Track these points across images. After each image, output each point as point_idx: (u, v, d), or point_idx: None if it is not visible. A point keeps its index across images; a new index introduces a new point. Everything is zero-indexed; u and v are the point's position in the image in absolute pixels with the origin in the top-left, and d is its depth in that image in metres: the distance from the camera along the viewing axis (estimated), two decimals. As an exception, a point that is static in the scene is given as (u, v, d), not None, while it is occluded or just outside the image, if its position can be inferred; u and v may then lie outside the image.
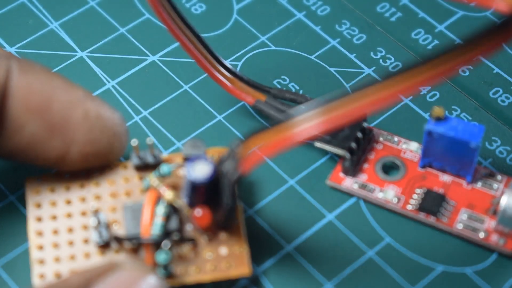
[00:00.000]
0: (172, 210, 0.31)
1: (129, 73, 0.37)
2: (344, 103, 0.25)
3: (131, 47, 0.38)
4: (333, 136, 0.33)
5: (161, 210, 0.31)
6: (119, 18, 0.39)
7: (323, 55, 0.38)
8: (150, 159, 0.32)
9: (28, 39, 0.38)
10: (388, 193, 0.33)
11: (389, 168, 0.34)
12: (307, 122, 0.26)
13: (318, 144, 0.34)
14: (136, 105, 0.36)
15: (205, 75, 0.36)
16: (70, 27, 0.38)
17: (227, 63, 0.34)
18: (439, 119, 0.32)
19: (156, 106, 0.36)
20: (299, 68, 0.37)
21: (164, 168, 0.31)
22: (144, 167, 0.32)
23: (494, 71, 0.37)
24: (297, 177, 0.34)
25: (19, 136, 0.30)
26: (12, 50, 0.37)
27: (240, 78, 0.35)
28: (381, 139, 0.34)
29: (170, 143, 0.35)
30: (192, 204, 0.31)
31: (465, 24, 0.39)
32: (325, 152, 0.35)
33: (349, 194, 0.34)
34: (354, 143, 0.33)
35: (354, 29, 0.39)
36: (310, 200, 0.34)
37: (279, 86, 0.36)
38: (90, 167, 0.32)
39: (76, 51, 0.38)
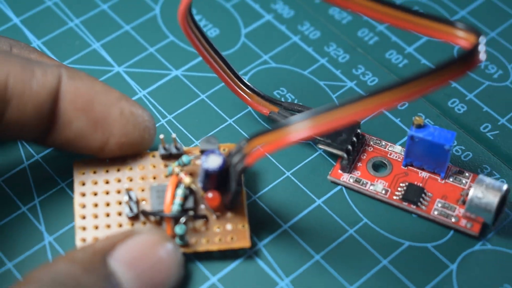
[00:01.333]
0: (189, 192, 0.31)
1: (157, 84, 0.37)
2: (327, 115, 0.26)
3: (158, 63, 0.38)
4: (333, 139, 0.33)
5: (180, 192, 0.31)
6: (148, 39, 0.39)
7: (314, 71, 0.38)
8: (173, 150, 0.32)
9: (75, 57, 0.38)
10: (377, 186, 0.33)
11: (378, 166, 0.34)
12: (299, 128, 0.26)
13: (321, 146, 0.34)
14: (163, 110, 0.36)
15: (219, 86, 0.36)
16: (109, 47, 0.38)
17: (246, 81, 0.34)
18: (419, 127, 0.32)
19: (179, 111, 0.36)
20: (294, 81, 0.37)
21: (184, 158, 0.32)
22: (168, 157, 0.32)
23: (452, 85, 0.37)
24: (292, 170, 0.34)
25: (68, 130, 0.30)
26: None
27: (258, 94, 0.34)
28: (371, 143, 0.34)
29: (189, 141, 0.35)
30: (205, 188, 0.31)
31: (429, 47, 0.38)
32: (315, 150, 0.34)
33: (345, 187, 0.33)
34: (350, 146, 0.33)
35: (339, 50, 0.39)
36: (303, 188, 0.34)
37: (278, 96, 0.36)
38: (124, 155, 0.32)
39: (114, 67, 0.37)
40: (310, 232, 0.32)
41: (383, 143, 0.35)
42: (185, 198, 0.31)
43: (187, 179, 0.31)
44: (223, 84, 0.35)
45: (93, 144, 0.31)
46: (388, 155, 0.34)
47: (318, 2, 0.40)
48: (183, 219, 0.31)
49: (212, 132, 0.35)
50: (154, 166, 0.32)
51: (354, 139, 0.34)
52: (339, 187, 0.34)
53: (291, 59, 0.38)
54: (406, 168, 0.34)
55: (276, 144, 0.27)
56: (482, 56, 0.25)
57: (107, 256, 0.28)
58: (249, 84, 0.34)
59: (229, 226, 0.31)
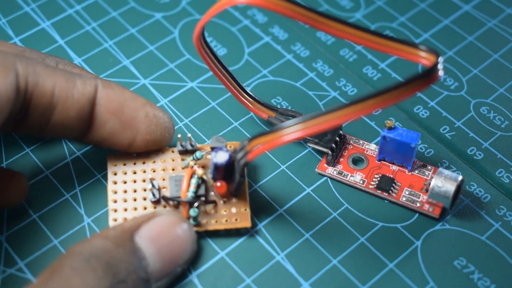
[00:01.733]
0: (201, 181, 0.31)
1: (176, 94, 0.37)
2: (315, 120, 0.26)
3: (177, 76, 0.37)
4: (320, 139, 0.33)
5: (194, 181, 0.31)
6: (169, 57, 0.38)
7: (305, 83, 0.37)
8: (189, 147, 0.32)
9: (109, 71, 0.38)
10: (356, 177, 0.33)
11: (357, 161, 0.34)
12: (291, 130, 0.26)
13: (310, 144, 0.33)
14: (180, 115, 0.36)
15: (226, 95, 0.36)
16: (137, 64, 0.38)
17: (249, 91, 0.34)
18: (390, 128, 0.32)
19: (193, 116, 0.36)
20: (288, 91, 0.37)
21: (198, 154, 0.31)
22: (185, 152, 0.32)
23: (418, 95, 0.37)
24: (286, 164, 0.34)
25: (103, 130, 0.30)
26: None
27: (258, 101, 0.34)
28: (351, 142, 0.34)
29: (202, 140, 0.35)
30: (214, 179, 0.31)
31: (399, 64, 0.38)
32: (305, 148, 0.34)
33: (330, 178, 0.33)
34: (334, 144, 0.33)
35: (325, 66, 0.38)
36: (295, 179, 0.33)
37: (275, 103, 0.36)
38: (149, 151, 0.32)
39: (140, 79, 0.37)
40: (301, 215, 0.32)
41: (361, 142, 0.34)
42: (198, 186, 0.31)
43: (199, 171, 0.31)
44: (229, 94, 0.35)
45: (123, 141, 0.31)
46: (365, 152, 0.34)
47: (307, 26, 0.40)
48: (196, 204, 0.30)
49: (221, 133, 0.35)
50: (173, 160, 0.32)
51: (337, 139, 0.33)
52: (325, 178, 0.33)
53: (285, 73, 0.38)
54: (379, 162, 0.34)
55: (273, 143, 0.27)
56: (441, 72, 0.25)
57: (134, 234, 0.28)
58: (250, 93, 0.34)
59: (233, 210, 0.31)
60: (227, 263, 0.30)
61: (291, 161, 0.34)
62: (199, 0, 0.41)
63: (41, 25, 0.39)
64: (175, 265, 0.29)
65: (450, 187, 0.31)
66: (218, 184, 0.31)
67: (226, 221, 0.31)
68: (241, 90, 0.34)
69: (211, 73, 0.37)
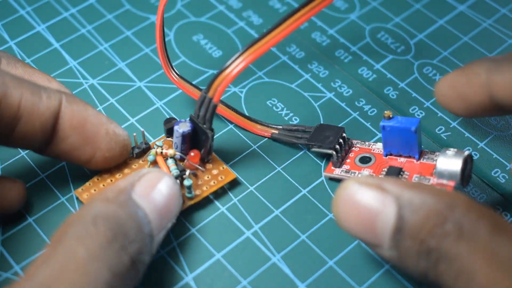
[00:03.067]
0: (175, 162, 0.32)
1: (171, 96, 0.36)
2: (251, 48, 0.29)
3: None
4: (322, 142, 0.33)
5: (170, 160, 0.32)
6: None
7: (300, 84, 0.37)
8: (143, 146, 0.32)
9: (105, 74, 0.38)
10: (364, 173, 0.32)
11: (364, 160, 0.33)
12: (236, 63, 0.29)
13: (314, 149, 0.33)
14: (174, 116, 0.34)
15: (222, 97, 0.34)
16: (132, 66, 0.38)
17: (252, 118, 0.35)
18: (388, 118, 0.32)
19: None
20: (284, 93, 0.37)
21: (157, 143, 0.32)
22: (142, 153, 0.33)
23: (413, 95, 0.36)
24: (282, 165, 0.34)
25: (64, 143, 0.30)
26: (95, 81, 0.37)
27: (259, 123, 0.35)
28: (357, 145, 0.34)
29: None
30: (185, 152, 0.32)
31: (393, 64, 0.38)
32: (300, 149, 0.34)
33: (338, 179, 0.33)
34: (338, 146, 0.33)
35: (320, 67, 0.38)
36: (291, 180, 0.33)
37: (270, 106, 0.36)
38: (108, 166, 0.32)
39: (136, 82, 0.37)
40: (297, 216, 0.32)
41: (367, 143, 0.34)
42: (176, 164, 0.32)
43: (170, 151, 0.32)
44: (225, 96, 0.36)
45: (82, 156, 0.31)
46: (372, 151, 0.34)
47: (302, 28, 0.40)
48: (186, 175, 0.31)
49: (217, 135, 0.35)
50: (135, 166, 0.32)
51: (341, 140, 0.33)
52: (320, 179, 0.33)
53: (281, 74, 0.38)
54: (387, 157, 0.33)
55: (226, 82, 0.29)
56: None
57: (131, 192, 0.28)
58: (252, 118, 0.35)
59: (214, 171, 0.32)
60: (223, 265, 0.30)
61: (287, 163, 0.34)
62: (194, 2, 0.41)
63: (36, 28, 0.40)
64: (170, 218, 0.29)
65: (457, 162, 0.30)
66: (192, 154, 0.31)
67: (214, 182, 0.32)
68: (248, 120, 0.35)
69: (207, 74, 0.38)
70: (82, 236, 0.25)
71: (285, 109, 0.36)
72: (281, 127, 0.35)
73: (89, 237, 0.25)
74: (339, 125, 0.35)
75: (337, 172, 0.33)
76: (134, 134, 0.33)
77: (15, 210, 0.31)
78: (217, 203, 0.32)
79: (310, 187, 0.33)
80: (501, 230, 0.23)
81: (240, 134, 0.35)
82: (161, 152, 0.32)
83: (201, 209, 0.32)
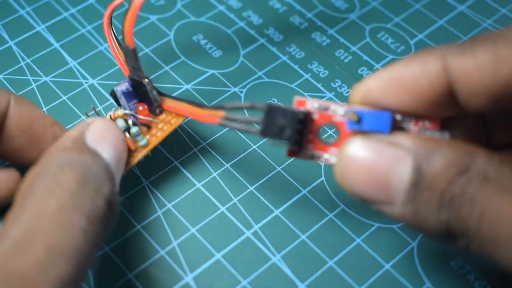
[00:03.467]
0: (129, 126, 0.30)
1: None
2: None
3: (173, 79, 0.36)
4: (277, 134, 0.26)
5: (133, 130, 0.30)
6: (164, 59, 0.37)
7: (300, 84, 0.37)
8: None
9: (105, 74, 0.37)
10: (332, 158, 0.27)
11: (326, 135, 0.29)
12: None
13: (270, 142, 0.27)
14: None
15: (223, 97, 0.35)
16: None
17: (197, 103, 0.31)
18: (358, 120, 0.25)
19: (186, 120, 0.34)
20: (284, 93, 0.37)
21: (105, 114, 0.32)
22: None
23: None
24: (282, 165, 0.33)
25: (10, 144, 0.30)
26: (95, 81, 0.37)
27: (204, 107, 0.30)
28: (314, 107, 0.27)
29: (197, 142, 0.34)
30: (134, 110, 0.31)
31: None
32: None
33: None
34: (292, 132, 0.26)
35: (320, 67, 0.38)
36: (291, 180, 0.33)
37: None
38: None
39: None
40: (297, 216, 0.32)
41: (327, 106, 0.27)
42: (126, 121, 0.30)
43: (119, 111, 0.31)
44: (224, 96, 0.35)
45: (28, 158, 0.30)
46: (333, 119, 0.27)
47: (302, 27, 0.40)
48: (130, 123, 0.30)
49: (215, 136, 0.35)
50: None
51: (299, 126, 0.26)
52: (320, 179, 0.33)
53: (281, 75, 0.38)
54: (351, 130, 0.26)
55: (130, 20, 0.29)
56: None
57: (84, 140, 0.27)
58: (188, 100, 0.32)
59: (162, 116, 0.31)
60: (223, 265, 0.30)
61: (287, 163, 0.34)
62: (194, 2, 0.41)
63: (36, 28, 0.39)
64: (123, 165, 0.28)
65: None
66: (140, 107, 0.31)
67: (168, 126, 0.31)
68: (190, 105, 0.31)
69: (207, 74, 0.37)
70: (50, 187, 0.24)
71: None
72: (227, 106, 0.28)
73: (59, 187, 0.24)
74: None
75: (301, 154, 0.27)
76: (92, 106, 0.32)
77: (8, 200, 0.30)
78: (217, 202, 0.32)
79: (310, 187, 0.33)
80: None
81: (240, 134, 0.35)
82: (110, 116, 0.31)
83: (201, 209, 0.32)
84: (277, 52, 0.39)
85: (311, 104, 0.26)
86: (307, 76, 0.38)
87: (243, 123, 0.27)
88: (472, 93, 0.23)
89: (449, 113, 0.25)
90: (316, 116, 0.27)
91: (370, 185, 0.24)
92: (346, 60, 0.39)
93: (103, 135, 0.28)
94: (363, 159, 0.24)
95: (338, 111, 0.26)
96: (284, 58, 0.39)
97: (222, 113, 0.28)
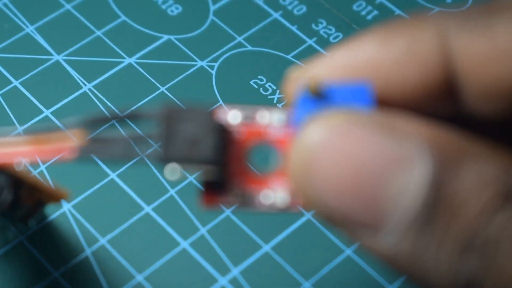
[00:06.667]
0: None
1: (106, 75, 0.33)
2: None
3: (108, 49, 0.33)
4: (190, 151, 0.20)
5: None
6: (95, 21, 0.34)
7: (300, 54, 0.34)
8: None
9: (5, 43, 0.33)
10: (277, 195, 0.21)
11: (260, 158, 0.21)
12: None
13: (176, 166, 0.20)
14: (113, 107, 0.31)
15: (183, 75, 0.32)
16: (46, 31, 0.34)
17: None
18: (317, 94, 0.20)
19: (133, 108, 0.30)
20: (276, 68, 0.33)
21: None
22: None
23: None
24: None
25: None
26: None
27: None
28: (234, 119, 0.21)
29: (149, 145, 0.30)
30: None
31: None
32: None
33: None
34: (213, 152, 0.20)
35: (330, 28, 0.34)
36: None
37: (256, 87, 0.32)
38: None
39: (53, 55, 0.33)
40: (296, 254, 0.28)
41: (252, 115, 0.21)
42: None
43: None
44: (187, 73, 0.32)
45: None
46: (269, 134, 0.21)
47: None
48: None
49: None
50: None
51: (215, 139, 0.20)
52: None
53: (271, 40, 0.34)
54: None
55: None
56: None
57: None
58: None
59: None
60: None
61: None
62: None
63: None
64: None
65: None
66: None
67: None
68: None
69: (159, 42, 0.33)
70: None
71: (278, 92, 0.33)
72: (87, 120, 0.21)
73: None
74: None
75: (226, 200, 0.21)
76: None
77: None
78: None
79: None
80: None
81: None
82: None
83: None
84: (265, 7, 0.35)
85: (233, 116, 0.21)
86: (310, 41, 0.34)
87: (124, 145, 0.21)
88: (485, 91, 0.20)
89: (439, 114, 0.21)
90: (239, 133, 0.21)
91: (350, 198, 0.19)
92: (369, 17, 0.35)
93: None
94: (344, 154, 0.18)
95: (274, 118, 0.21)
96: (276, 15, 0.35)
97: (80, 135, 0.21)
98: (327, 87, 0.19)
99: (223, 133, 0.21)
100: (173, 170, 0.20)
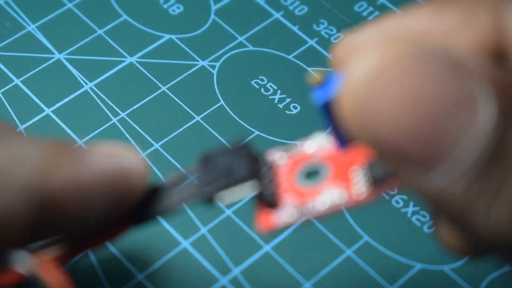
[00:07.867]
0: None
1: (107, 75, 0.33)
2: None
3: (109, 48, 0.34)
4: (225, 176, 0.22)
5: None
6: (96, 20, 0.34)
7: (301, 55, 0.34)
8: None
9: (6, 42, 0.34)
10: (326, 198, 0.21)
11: (311, 175, 0.22)
12: None
13: (219, 197, 0.22)
14: (114, 107, 0.32)
15: (184, 75, 0.33)
16: (48, 30, 0.34)
17: None
18: (319, 84, 0.21)
19: (134, 107, 0.32)
20: (277, 68, 0.33)
21: None
22: None
23: None
24: None
25: None
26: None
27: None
28: (279, 156, 0.23)
29: (148, 144, 0.31)
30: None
31: None
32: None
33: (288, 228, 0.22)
34: (255, 170, 0.22)
35: (331, 29, 0.35)
36: None
37: (256, 87, 0.33)
38: None
39: (54, 53, 0.33)
40: (303, 259, 0.28)
41: (293, 147, 0.23)
42: None
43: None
44: (188, 73, 0.32)
45: None
46: (312, 154, 0.23)
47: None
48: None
49: (176, 133, 0.31)
50: None
51: (254, 165, 0.23)
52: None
53: (272, 40, 0.34)
54: (344, 150, 0.22)
55: None
56: None
57: None
58: None
59: None
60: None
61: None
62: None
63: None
64: None
65: None
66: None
67: None
68: None
69: (161, 41, 0.33)
70: None
71: (279, 92, 0.33)
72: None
73: None
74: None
75: (284, 216, 0.22)
76: None
77: None
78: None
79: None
80: None
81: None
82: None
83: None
84: (266, 7, 0.35)
85: (279, 158, 0.23)
86: (311, 42, 0.34)
87: (173, 194, 0.22)
88: None
89: None
90: (284, 162, 0.22)
91: (405, 131, 0.18)
92: (370, 18, 0.36)
93: None
94: (402, 83, 0.18)
95: (316, 144, 0.22)
96: (278, 15, 0.35)
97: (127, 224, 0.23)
98: (328, 79, 0.19)
99: (271, 166, 0.22)
100: (221, 200, 0.21)
